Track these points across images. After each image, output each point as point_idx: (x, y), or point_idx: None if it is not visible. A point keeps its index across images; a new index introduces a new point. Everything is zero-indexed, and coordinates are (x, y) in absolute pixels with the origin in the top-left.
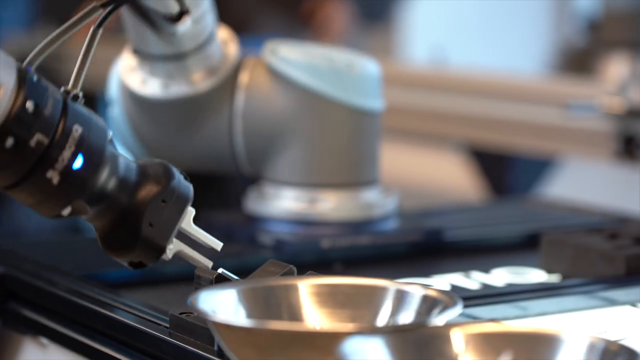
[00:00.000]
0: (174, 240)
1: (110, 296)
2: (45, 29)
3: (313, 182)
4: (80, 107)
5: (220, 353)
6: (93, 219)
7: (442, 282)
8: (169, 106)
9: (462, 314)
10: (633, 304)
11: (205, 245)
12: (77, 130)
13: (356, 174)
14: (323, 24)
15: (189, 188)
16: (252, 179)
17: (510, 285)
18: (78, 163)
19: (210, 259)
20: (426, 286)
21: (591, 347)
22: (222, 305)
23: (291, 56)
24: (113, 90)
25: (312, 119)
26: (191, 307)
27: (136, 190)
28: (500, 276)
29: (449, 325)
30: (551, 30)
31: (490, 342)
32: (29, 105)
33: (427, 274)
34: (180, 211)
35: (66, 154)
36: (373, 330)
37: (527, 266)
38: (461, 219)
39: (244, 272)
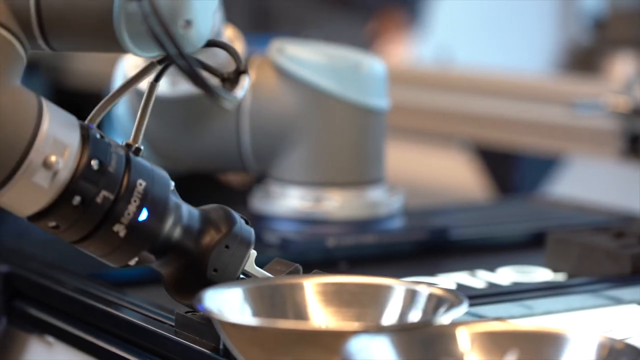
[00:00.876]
0: None
1: (116, 295)
2: None
3: (319, 181)
4: (142, 161)
5: (225, 352)
6: (160, 267)
7: (448, 280)
8: (176, 104)
9: (467, 313)
10: (639, 303)
11: None
12: (140, 184)
13: (362, 172)
14: (389, 38)
15: (250, 232)
16: (258, 178)
17: (515, 284)
18: (143, 216)
19: None
20: (432, 285)
21: (597, 346)
22: (228, 304)
23: (298, 55)
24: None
25: (318, 118)
26: (197, 306)
27: (200, 238)
28: (506, 275)
29: (455, 324)
30: (557, 29)
31: (496, 341)
32: (94, 163)
33: (432, 272)
34: (243, 255)
35: (131, 208)
36: (379, 329)
37: (532, 265)
38: (467, 217)
39: None
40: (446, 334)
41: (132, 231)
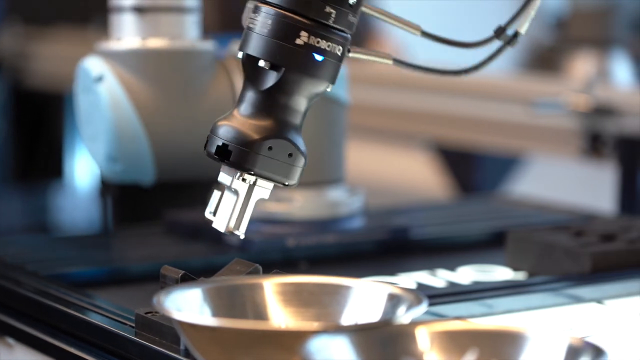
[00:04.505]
0: (242, 182)
1: (76, 296)
2: (11, 29)
3: None
4: None
5: (186, 352)
6: None
7: (408, 280)
8: (170, 59)
9: (427, 312)
10: (598, 301)
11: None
12: None
13: (322, 172)
14: None
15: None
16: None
17: (476, 283)
18: None
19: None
20: (392, 284)
21: (557, 345)
22: (188, 304)
23: None
24: (97, 68)
25: None
26: (156, 307)
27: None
28: (466, 274)
29: (415, 323)
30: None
31: (455, 340)
32: None
33: (393, 272)
34: (284, 174)
35: None
36: (338, 329)
37: (493, 264)
38: (427, 217)
39: (209, 270)
40: (406, 334)
41: None
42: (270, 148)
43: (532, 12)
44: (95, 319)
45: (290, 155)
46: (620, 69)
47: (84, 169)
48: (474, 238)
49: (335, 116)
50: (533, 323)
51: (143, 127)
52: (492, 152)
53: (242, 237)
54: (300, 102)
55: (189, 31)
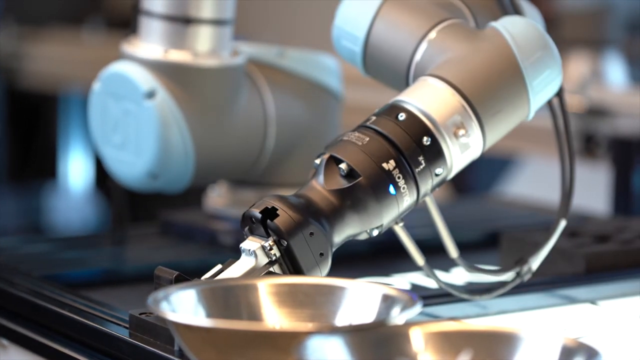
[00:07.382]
0: (266, 252)
1: (70, 297)
2: (5, 29)
3: (272, 181)
4: None
5: (180, 353)
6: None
7: (402, 280)
8: (222, 76)
9: (422, 313)
10: (593, 302)
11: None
12: None
13: None
14: None
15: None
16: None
17: (470, 283)
18: None
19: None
20: (386, 285)
21: (551, 345)
22: (182, 305)
23: (303, 57)
24: (147, 82)
25: (329, 118)
26: (151, 307)
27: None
28: (460, 275)
29: (409, 324)
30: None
31: (449, 341)
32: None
33: (387, 272)
34: (306, 266)
35: None
36: (332, 330)
37: (487, 265)
38: (421, 217)
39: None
40: (400, 334)
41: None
42: (312, 234)
43: (546, 251)
44: (89, 319)
45: (321, 254)
46: (614, 70)
47: (77, 170)
48: (468, 239)
49: (330, 112)
50: (527, 324)
51: (194, 146)
52: (486, 153)
53: None
54: (350, 221)
55: (228, 44)
